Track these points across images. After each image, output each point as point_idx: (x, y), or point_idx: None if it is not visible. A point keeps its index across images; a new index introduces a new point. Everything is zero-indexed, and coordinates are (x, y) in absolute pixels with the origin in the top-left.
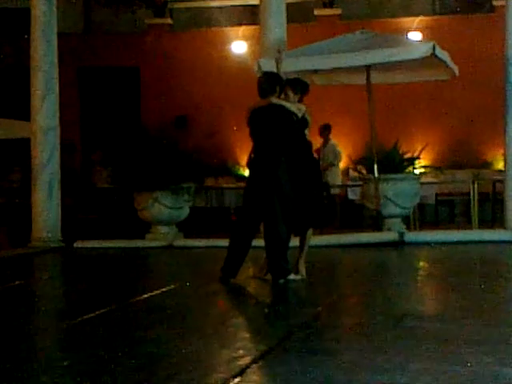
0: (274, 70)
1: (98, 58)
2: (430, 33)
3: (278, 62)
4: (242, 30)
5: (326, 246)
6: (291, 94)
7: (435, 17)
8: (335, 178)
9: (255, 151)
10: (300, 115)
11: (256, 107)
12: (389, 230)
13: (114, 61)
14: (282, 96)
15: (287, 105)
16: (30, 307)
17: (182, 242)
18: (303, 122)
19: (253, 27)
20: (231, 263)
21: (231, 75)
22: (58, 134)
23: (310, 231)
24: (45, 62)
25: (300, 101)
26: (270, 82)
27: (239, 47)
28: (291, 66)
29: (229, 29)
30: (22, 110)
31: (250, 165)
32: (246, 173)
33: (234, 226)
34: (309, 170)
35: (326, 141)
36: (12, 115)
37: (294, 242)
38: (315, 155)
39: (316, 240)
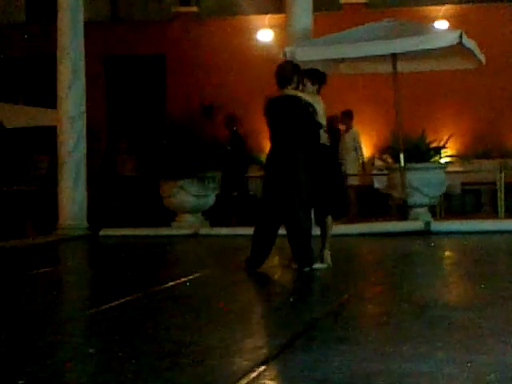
0: (301, 58)
1: (125, 46)
2: (456, 21)
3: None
4: (267, 18)
5: (352, 235)
6: (309, 85)
7: (462, 5)
8: (353, 166)
9: (272, 142)
10: (316, 106)
11: (272, 98)
12: (415, 219)
13: (140, 49)
14: (301, 86)
15: (303, 96)
16: (55, 295)
17: (207, 230)
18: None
19: (279, 15)
20: (256, 254)
21: (257, 64)
22: (84, 122)
23: (330, 219)
24: (71, 50)
25: (318, 92)
26: (288, 72)
27: (265, 35)
28: (317, 54)
29: (255, 17)
30: (49, 98)
31: (267, 156)
32: None
33: (258, 216)
34: (325, 160)
35: (348, 128)
36: (39, 103)
37: (316, 231)
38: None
39: (341, 229)
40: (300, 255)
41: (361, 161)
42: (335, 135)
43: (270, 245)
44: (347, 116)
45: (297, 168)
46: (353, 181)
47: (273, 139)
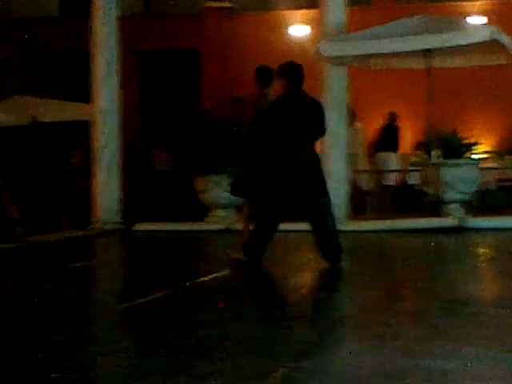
0: (334, 53)
1: (158, 41)
2: (490, 17)
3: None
4: (301, 13)
5: (385, 231)
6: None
7: (497, 0)
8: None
9: (293, 143)
10: None
11: (297, 98)
12: (448, 215)
13: (173, 44)
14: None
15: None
16: (88, 289)
17: (240, 225)
18: None
19: (312, 10)
20: (260, 248)
21: (290, 59)
22: (117, 117)
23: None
24: (105, 46)
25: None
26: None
27: (298, 31)
28: (350, 49)
29: (288, 12)
30: (83, 93)
31: (292, 156)
32: None
33: (272, 213)
34: None
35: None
36: (73, 97)
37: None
38: None
39: (375, 225)
40: (332, 251)
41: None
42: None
43: (270, 240)
44: (351, 113)
45: (322, 170)
46: (389, 181)
47: (293, 140)
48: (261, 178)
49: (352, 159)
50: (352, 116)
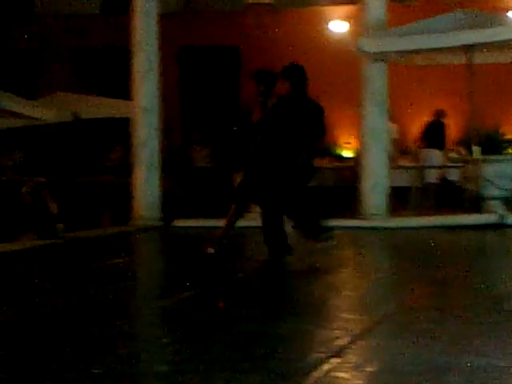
0: (374, 49)
1: (198, 38)
2: None
3: None
4: (341, 9)
5: (426, 228)
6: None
7: None
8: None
9: (297, 143)
10: None
11: (303, 99)
12: (489, 212)
13: (214, 40)
14: None
15: None
16: (128, 285)
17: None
18: None
19: (353, 6)
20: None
21: (331, 55)
22: (157, 114)
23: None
24: (145, 42)
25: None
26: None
27: (339, 26)
28: (391, 45)
29: (329, 8)
30: (123, 89)
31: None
32: (344, 153)
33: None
34: None
35: None
36: (113, 94)
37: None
38: None
39: (415, 221)
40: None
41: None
42: None
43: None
44: None
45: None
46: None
47: (297, 141)
48: (265, 178)
49: None
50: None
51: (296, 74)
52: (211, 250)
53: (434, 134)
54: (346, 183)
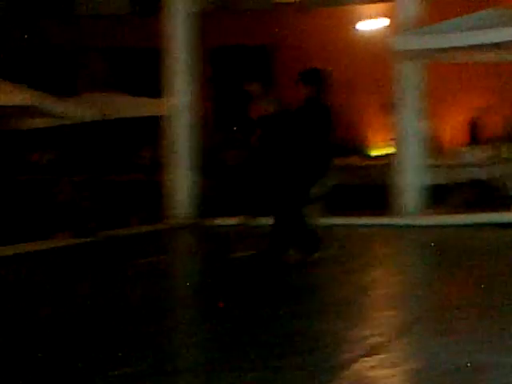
0: (409, 47)
1: (230, 37)
2: None
3: None
4: (374, 7)
5: (460, 226)
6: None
7: None
8: None
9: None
10: None
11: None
12: None
13: (245, 39)
14: None
15: None
16: (162, 284)
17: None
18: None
19: (387, 4)
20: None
21: (363, 53)
22: (190, 113)
23: None
24: (177, 41)
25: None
26: None
27: (371, 25)
28: (424, 43)
29: (361, 6)
30: (155, 89)
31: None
32: (375, 152)
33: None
34: None
35: None
36: (146, 94)
37: None
38: None
39: (449, 219)
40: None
41: None
42: None
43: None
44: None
45: None
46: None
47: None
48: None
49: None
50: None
51: (320, 78)
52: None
53: (472, 132)
54: (380, 181)
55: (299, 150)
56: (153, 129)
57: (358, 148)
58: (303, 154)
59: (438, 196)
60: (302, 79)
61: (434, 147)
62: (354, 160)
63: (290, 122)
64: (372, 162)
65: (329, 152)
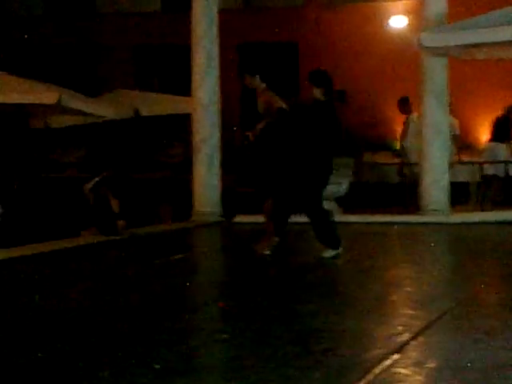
0: (436, 44)
1: (258, 34)
2: None
3: None
4: (402, 4)
5: (487, 223)
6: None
7: None
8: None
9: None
10: None
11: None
12: None
13: (273, 36)
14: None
15: None
16: (189, 281)
17: (341, 217)
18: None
19: (413, 1)
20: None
21: (390, 50)
22: (218, 110)
23: None
24: (206, 39)
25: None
26: None
27: (399, 22)
28: (452, 39)
29: (388, 3)
30: (184, 86)
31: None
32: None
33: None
34: None
35: (407, 114)
36: (174, 91)
37: None
38: None
39: (476, 216)
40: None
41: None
42: None
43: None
44: (405, 102)
45: None
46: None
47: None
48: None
49: (402, 151)
50: (408, 105)
51: (328, 80)
52: (267, 251)
53: (501, 129)
54: (406, 179)
55: (301, 147)
56: (182, 126)
57: (387, 144)
58: (305, 152)
59: (466, 193)
60: (312, 80)
61: (462, 144)
62: (382, 156)
63: (296, 119)
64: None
65: (330, 154)
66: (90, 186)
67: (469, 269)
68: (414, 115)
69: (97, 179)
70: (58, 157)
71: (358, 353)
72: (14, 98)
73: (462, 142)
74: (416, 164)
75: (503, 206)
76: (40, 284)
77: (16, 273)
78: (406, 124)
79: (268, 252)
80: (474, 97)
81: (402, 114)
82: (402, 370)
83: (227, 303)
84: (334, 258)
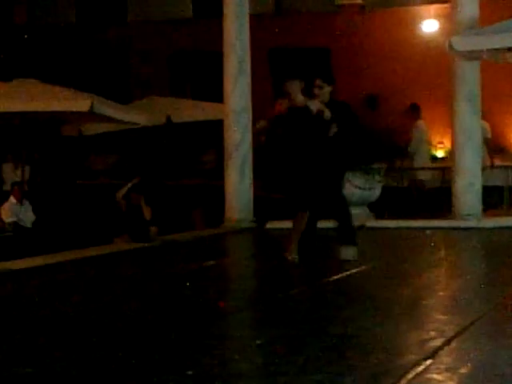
0: (467, 48)
1: (290, 39)
2: None
3: None
4: (433, 8)
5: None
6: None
7: None
8: (419, 161)
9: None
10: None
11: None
12: None
13: (304, 42)
14: None
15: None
16: (222, 287)
17: (373, 222)
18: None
19: (444, 5)
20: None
21: (422, 54)
22: (249, 116)
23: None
24: (237, 44)
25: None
26: None
27: (430, 26)
28: (484, 43)
29: (420, 7)
30: (216, 92)
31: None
32: (438, 153)
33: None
34: None
35: (415, 121)
36: (206, 97)
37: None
38: None
39: (509, 221)
40: None
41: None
42: None
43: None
44: (414, 109)
45: None
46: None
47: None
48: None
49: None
50: (417, 112)
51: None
52: (294, 258)
53: None
54: (439, 183)
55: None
56: (215, 133)
57: None
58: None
59: (498, 197)
60: (323, 79)
61: (494, 147)
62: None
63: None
64: (432, 164)
65: (345, 154)
66: (122, 193)
67: (502, 273)
68: (421, 122)
69: (129, 186)
70: (90, 164)
71: (390, 358)
72: (47, 105)
73: (493, 146)
74: (423, 169)
75: None
76: (74, 290)
77: (51, 279)
78: (412, 130)
79: (296, 258)
80: (506, 100)
81: (410, 120)
82: (435, 376)
83: (259, 307)
84: (353, 258)
